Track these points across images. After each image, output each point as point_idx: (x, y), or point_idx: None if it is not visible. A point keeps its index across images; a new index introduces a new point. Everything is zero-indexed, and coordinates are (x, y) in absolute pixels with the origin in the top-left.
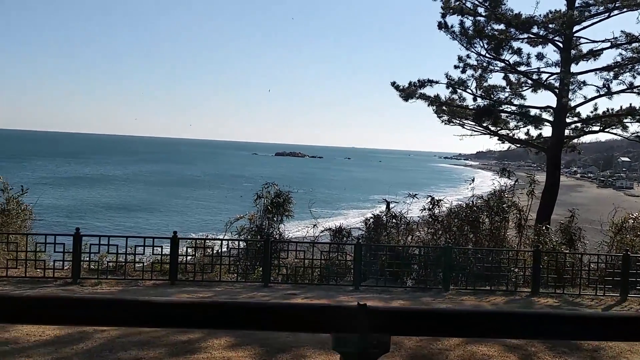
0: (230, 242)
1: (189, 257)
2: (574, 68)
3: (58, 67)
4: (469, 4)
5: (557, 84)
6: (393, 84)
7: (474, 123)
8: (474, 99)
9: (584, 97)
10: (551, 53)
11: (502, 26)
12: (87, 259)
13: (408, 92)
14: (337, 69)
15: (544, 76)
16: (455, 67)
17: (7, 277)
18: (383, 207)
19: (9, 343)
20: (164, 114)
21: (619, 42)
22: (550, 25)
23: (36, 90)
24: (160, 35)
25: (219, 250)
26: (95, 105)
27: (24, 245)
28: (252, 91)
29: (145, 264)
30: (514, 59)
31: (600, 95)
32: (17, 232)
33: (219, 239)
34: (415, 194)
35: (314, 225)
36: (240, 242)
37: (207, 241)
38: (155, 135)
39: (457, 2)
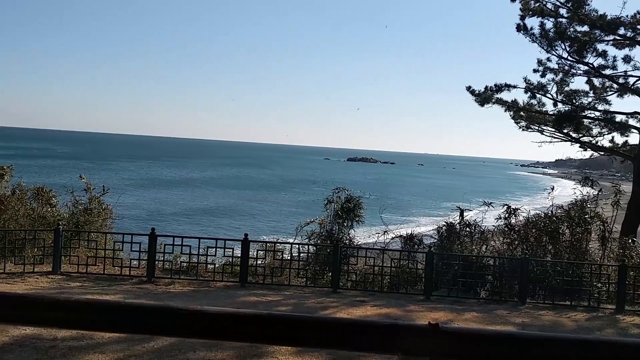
0: (300, 246)
1: (259, 260)
2: None
3: (143, 73)
4: (549, 5)
5: None
6: (468, 88)
7: (554, 129)
8: (555, 104)
9: None
10: None
11: (585, 28)
12: (162, 258)
13: (484, 97)
14: (408, 74)
15: (632, 80)
16: (534, 70)
17: (87, 274)
18: (456, 214)
19: (85, 338)
20: (243, 119)
21: None
22: (639, 27)
23: (121, 94)
24: (243, 43)
25: (289, 254)
26: (179, 109)
27: (103, 243)
28: (325, 97)
29: (216, 265)
30: (598, 62)
31: None
32: (98, 230)
33: (288, 243)
34: (491, 203)
35: (385, 232)
36: (310, 247)
37: (277, 244)
38: (235, 140)
39: (537, 4)
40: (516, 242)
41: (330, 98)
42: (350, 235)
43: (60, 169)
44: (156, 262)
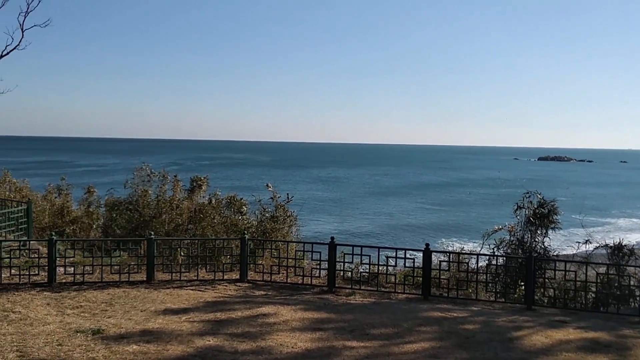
0: (487, 256)
1: (442, 271)
2: None
3: (325, 81)
4: None
5: None
6: None
7: None
8: None
9: None
10: None
11: None
12: (342, 267)
13: None
14: (607, 59)
15: None
16: None
17: (271, 282)
18: None
19: (264, 352)
20: (434, 122)
21: None
22: None
23: (314, 106)
24: (420, 51)
25: (475, 264)
26: (376, 117)
27: (286, 251)
28: (514, 93)
29: (397, 275)
30: None
31: None
32: (279, 239)
33: (474, 253)
34: None
35: (587, 241)
36: (499, 258)
37: (461, 255)
38: (429, 144)
39: None
40: None
41: (519, 94)
42: (545, 244)
43: (257, 177)
44: (337, 272)
